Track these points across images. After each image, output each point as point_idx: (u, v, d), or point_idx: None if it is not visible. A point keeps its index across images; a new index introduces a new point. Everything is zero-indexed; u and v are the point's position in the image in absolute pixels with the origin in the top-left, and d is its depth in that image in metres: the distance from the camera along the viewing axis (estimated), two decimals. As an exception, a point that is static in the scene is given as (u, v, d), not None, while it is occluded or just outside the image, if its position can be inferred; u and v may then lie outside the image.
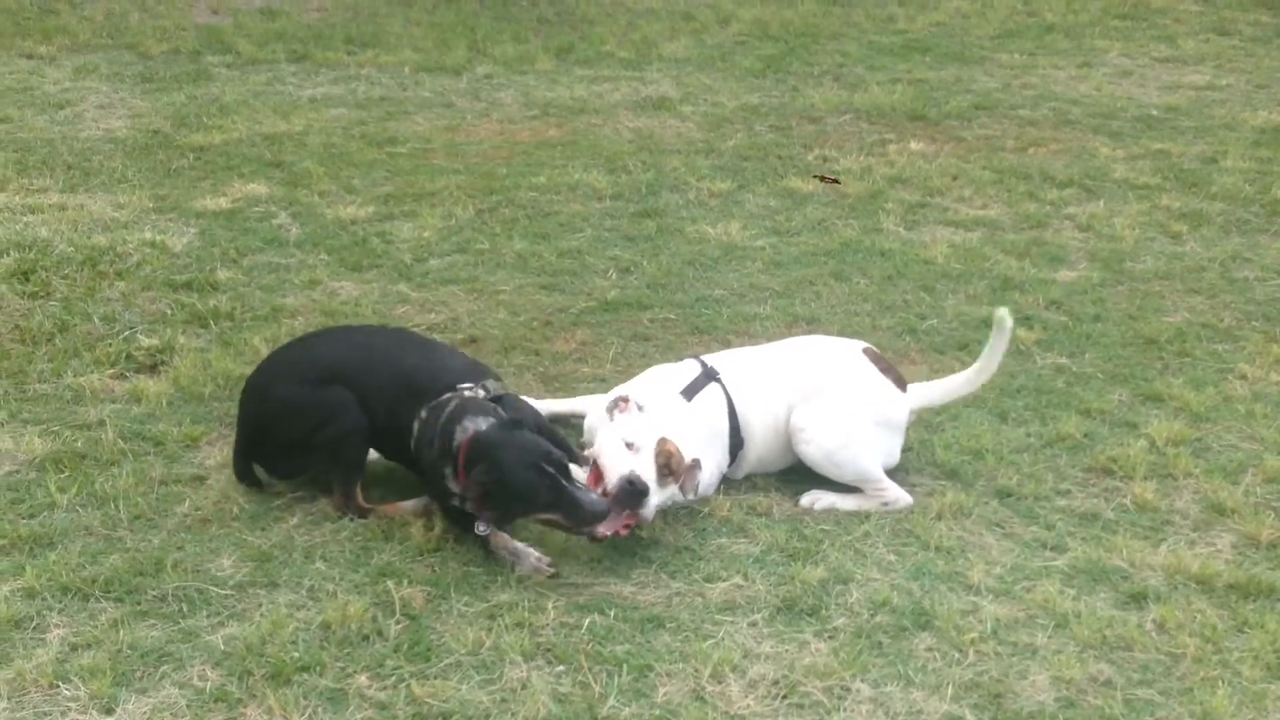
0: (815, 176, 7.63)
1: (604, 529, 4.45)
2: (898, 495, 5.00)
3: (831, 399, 5.02)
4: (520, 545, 4.57)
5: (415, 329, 6.33)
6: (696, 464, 4.74)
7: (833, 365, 5.14)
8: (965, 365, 5.97)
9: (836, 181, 7.56)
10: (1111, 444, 5.38)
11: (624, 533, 4.51)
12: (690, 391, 5.03)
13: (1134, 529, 4.82)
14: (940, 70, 11.61)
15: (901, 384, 5.19)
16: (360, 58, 11.58)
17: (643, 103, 10.42)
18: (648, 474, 4.56)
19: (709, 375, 5.11)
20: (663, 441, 4.67)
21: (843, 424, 4.99)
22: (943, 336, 6.35)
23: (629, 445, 4.64)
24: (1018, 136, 9.63)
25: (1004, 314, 5.04)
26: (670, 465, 4.64)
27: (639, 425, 4.73)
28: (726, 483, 5.08)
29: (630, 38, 12.42)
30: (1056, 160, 9.07)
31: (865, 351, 5.23)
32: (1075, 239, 7.68)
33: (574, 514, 4.44)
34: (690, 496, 4.77)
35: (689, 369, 5.16)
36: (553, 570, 4.51)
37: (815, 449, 4.99)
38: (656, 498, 4.58)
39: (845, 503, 4.97)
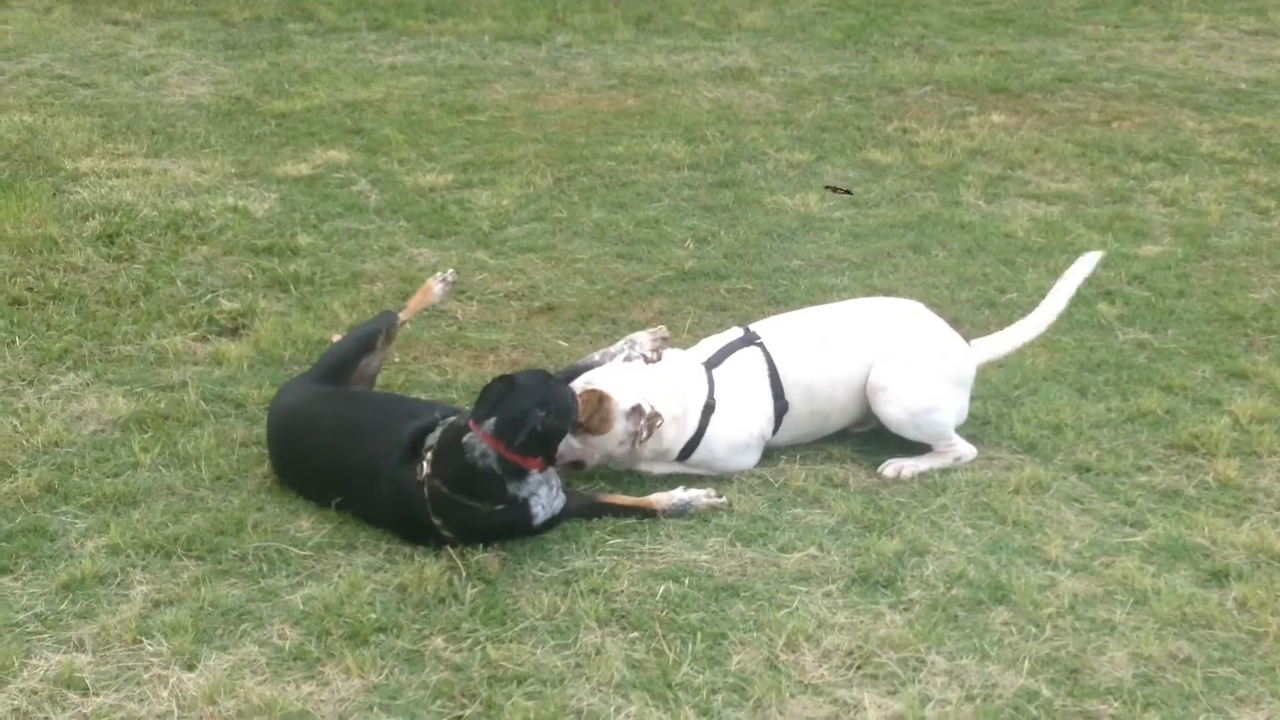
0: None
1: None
2: (965, 450, 5.03)
3: (911, 358, 5.00)
4: (680, 493, 4.67)
5: (494, 296, 6.38)
6: (652, 415, 4.77)
7: (906, 324, 5.11)
8: (1046, 339, 5.93)
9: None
10: (1194, 420, 5.30)
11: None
12: (716, 360, 5.01)
13: (1216, 506, 4.76)
14: (1023, 42, 11.46)
15: (964, 340, 5.20)
16: (440, 26, 11.62)
17: (721, 73, 10.38)
18: None
19: (747, 340, 5.08)
20: (589, 391, 4.75)
21: (925, 384, 4.98)
22: (1023, 310, 6.20)
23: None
24: (1101, 109, 9.50)
25: (1092, 255, 5.16)
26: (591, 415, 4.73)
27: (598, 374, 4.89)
28: (796, 451, 5.06)
29: (709, 7, 12.38)
30: (1141, 134, 8.94)
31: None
32: (1159, 214, 7.57)
33: None
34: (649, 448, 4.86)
35: (729, 336, 5.14)
36: (724, 500, 4.69)
37: (899, 409, 4.97)
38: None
39: (923, 464, 4.98)
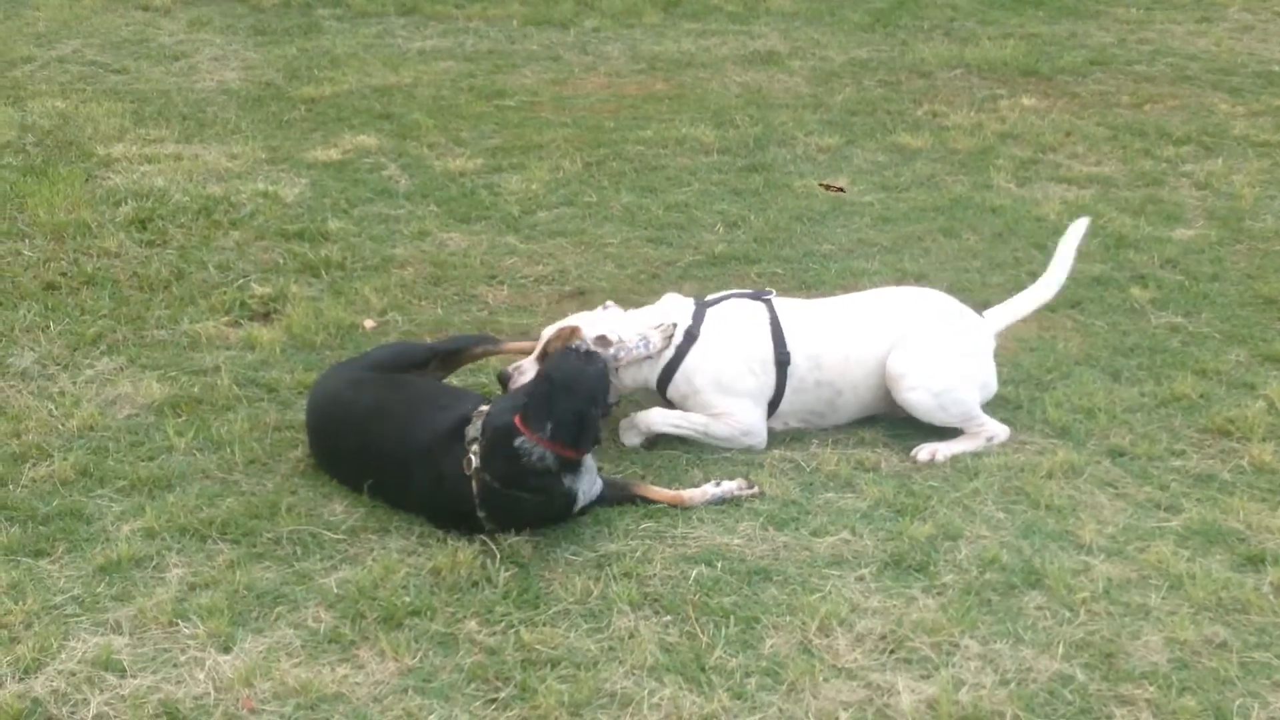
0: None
1: None
2: (996, 429, 5.03)
3: (925, 341, 4.99)
4: (712, 488, 4.67)
5: (524, 280, 6.39)
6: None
7: (916, 306, 5.12)
8: (1078, 323, 5.95)
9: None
10: (1228, 405, 5.27)
11: None
12: (711, 302, 5.09)
13: (1251, 491, 4.73)
14: (1054, 25, 11.40)
15: (977, 313, 5.21)
16: (468, 11, 11.61)
17: (750, 57, 10.36)
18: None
19: (755, 295, 5.13)
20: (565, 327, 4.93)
21: (944, 364, 4.97)
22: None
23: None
24: (1133, 92, 9.45)
25: (1082, 222, 5.26)
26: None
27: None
28: (828, 435, 5.05)
29: (738, -9, 12.34)
30: (1173, 117, 8.89)
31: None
32: (1192, 197, 7.53)
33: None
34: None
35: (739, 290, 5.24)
36: (758, 489, 4.68)
37: (922, 394, 4.96)
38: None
39: (956, 447, 4.98)
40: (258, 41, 10.62)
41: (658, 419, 5.00)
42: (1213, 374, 5.53)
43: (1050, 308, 6.07)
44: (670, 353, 4.97)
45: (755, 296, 5.14)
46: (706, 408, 4.98)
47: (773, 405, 5.04)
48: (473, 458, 4.38)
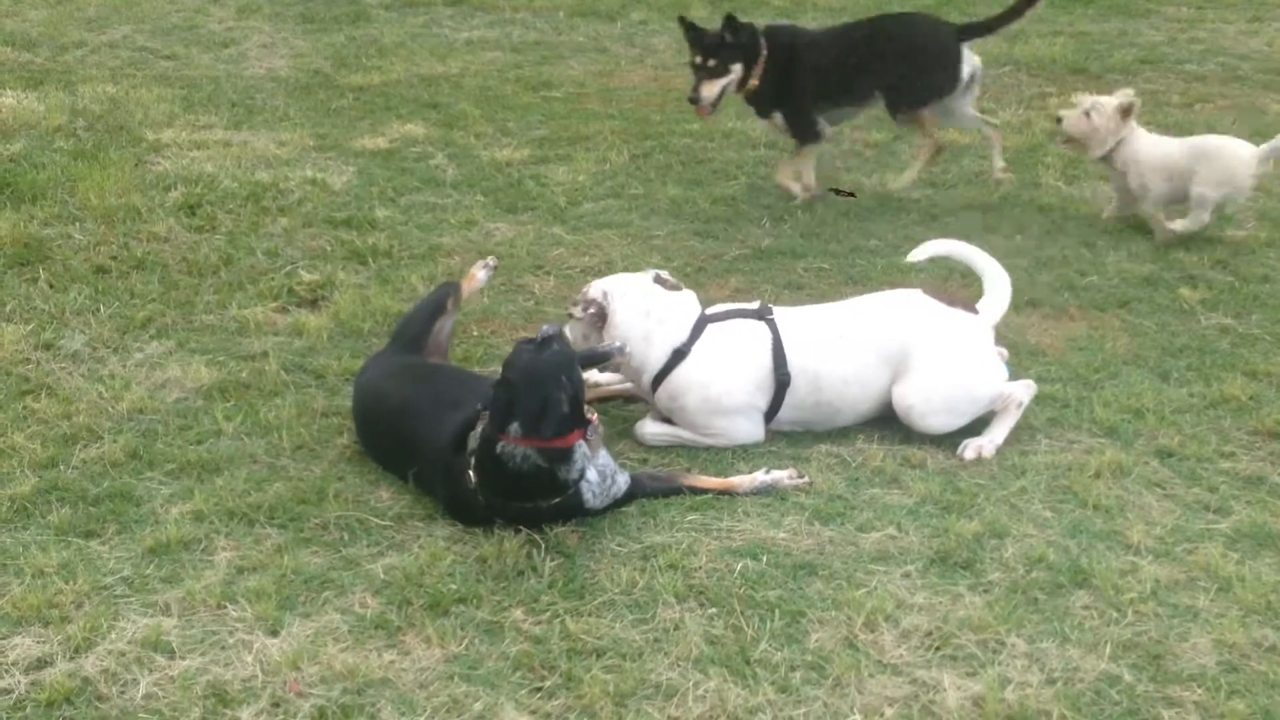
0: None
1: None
2: (1018, 390, 5.00)
3: (922, 366, 4.94)
4: (762, 475, 4.67)
5: (570, 271, 6.40)
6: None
7: (910, 324, 5.02)
8: (1126, 323, 5.92)
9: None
10: (1278, 407, 5.23)
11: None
12: (713, 317, 5.05)
13: (1302, 494, 4.70)
14: (1104, 23, 11.33)
15: (970, 308, 5.15)
16: (515, 2, 11.65)
17: (797, 51, 10.31)
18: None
19: (758, 314, 5.06)
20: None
21: (946, 380, 4.94)
22: (1103, 294, 6.22)
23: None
24: (1184, 92, 9.38)
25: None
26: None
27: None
28: (874, 430, 5.03)
29: (785, -15, 12.31)
30: (1224, 117, 8.81)
31: (925, 293, 5.19)
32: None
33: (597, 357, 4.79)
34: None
35: (747, 305, 5.18)
36: (808, 480, 4.69)
37: (939, 418, 4.96)
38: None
39: (999, 434, 4.95)
40: (306, 29, 10.69)
41: (648, 434, 5.01)
42: (1263, 376, 5.48)
43: (1099, 306, 6.08)
44: (664, 358, 4.95)
45: (759, 315, 5.06)
46: (695, 427, 4.97)
47: (768, 416, 5.03)
48: (471, 474, 4.36)
